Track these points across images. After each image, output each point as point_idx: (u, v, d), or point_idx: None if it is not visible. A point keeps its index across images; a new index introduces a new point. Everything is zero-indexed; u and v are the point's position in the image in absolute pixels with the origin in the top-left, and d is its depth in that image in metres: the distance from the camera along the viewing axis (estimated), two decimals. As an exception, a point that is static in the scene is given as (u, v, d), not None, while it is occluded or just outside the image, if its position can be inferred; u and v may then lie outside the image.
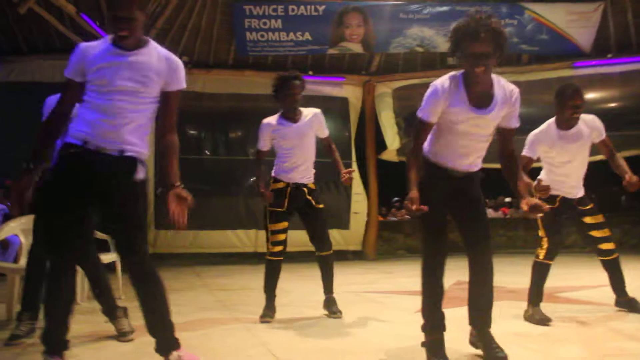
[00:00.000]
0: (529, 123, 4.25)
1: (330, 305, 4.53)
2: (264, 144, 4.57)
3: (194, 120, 9.82)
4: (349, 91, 10.58)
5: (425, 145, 3.07)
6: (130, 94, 2.66)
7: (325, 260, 4.57)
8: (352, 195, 10.25)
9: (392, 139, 10.28)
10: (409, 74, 10.55)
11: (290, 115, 4.49)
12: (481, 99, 2.95)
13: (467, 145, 3.03)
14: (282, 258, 4.48)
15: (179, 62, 2.79)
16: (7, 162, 9.57)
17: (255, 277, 7.49)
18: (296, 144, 4.46)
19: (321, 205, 4.54)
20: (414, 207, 2.70)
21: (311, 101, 10.24)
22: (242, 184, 9.88)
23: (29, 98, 9.33)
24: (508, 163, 3.06)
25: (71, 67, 2.76)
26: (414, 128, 3.07)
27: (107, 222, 2.70)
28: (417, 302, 4.71)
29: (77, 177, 2.62)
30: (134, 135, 2.70)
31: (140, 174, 2.70)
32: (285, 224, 4.46)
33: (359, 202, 10.33)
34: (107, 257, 4.91)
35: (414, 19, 9.87)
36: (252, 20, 9.60)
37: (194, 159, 9.74)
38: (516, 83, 9.89)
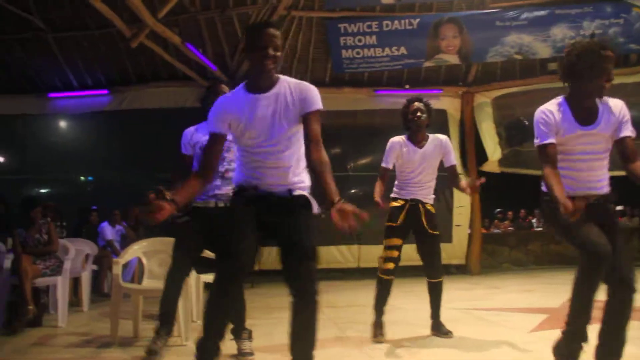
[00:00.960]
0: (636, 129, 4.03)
1: (439, 327, 4.49)
2: (388, 163, 4.58)
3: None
4: (447, 103, 10.47)
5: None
6: (283, 136, 2.73)
7: (435, 286, 4.51)
8: (454, 207, 10.10)
9: (494, 150, 10.08)
10: (508, 83, 10.31)
11: (417, 139, 4.51)
12: (587, 115, 3.00)
13: (585, 166, 3.02)
14: (393, 277, 4.46)
15: (309, 86, 2.79)
16: (125, 185, 10.28)
17: (360, 293, 7.55)
18: (419, 169, 4.47)
19: (437, 232, 4.48)
20: (570, 206, 2.69)
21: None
22: (343, 199, 9.94)
23: (139, 124, 10.02)
24: (636, 172, 2.93)
25: (214, 123, 2.81)
26: (540, 158, 3.04)
27: (281, 252, 2.71)
28: (530, 320, 4.58)
29: (253, 210, 2.73)
30: (296, 173, 2.79)
31: (314, 209, 2.76)
32: (399, 241, 4.43)
33: (461, 214, 10.16)
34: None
35: (511, 26, 9.62)
36: (347, 38, 9.72)
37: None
38: (623, 85, 9.45)
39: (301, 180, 2.80)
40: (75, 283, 7.10)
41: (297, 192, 2.76)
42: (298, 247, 2.63)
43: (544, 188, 3.12)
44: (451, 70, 10.53)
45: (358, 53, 9.78)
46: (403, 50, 9.75)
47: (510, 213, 14.14)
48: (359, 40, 9.74)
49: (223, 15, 9.41)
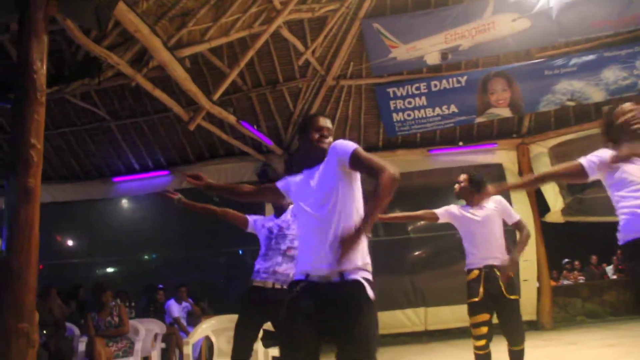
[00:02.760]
0: None
1: None
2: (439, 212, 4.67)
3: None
4: (502, 156, 10.39)
5: None
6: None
7: (517, 354, 4.35)
8: (520, 262, 9.82)
9: (555, 200, 9.88)
10: (563, 130, 10.17)
11: (472, 205, 4.54)
12: None
13: None
14: (488, 350, 4.31)
15: (335, 142, 2.83)
16: (190, 262, 10.50)
17: (430, 357, 7.36)
18: (481, 233, 4.45)
19: (515, 296, 4.36)
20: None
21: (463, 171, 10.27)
22: (405, 262, 9.89)
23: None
24: None
25: None
26: None
27: (337, 347, 2.55)
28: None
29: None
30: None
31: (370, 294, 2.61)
32: (486, 316, 4.30)
33: (528, 268, 9.87)
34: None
35: (560, 73, 9.56)
36: (397, 102, 9.86)
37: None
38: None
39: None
40: (146, 362, 7.19)
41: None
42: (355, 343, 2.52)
43: (621, 241, 2.98)
44: (504, 123, 10.49)
45: (409, 115, 9.88)
46: (453, 108, 9.81)
47: (577, 263, 13.64)
48: (409, 103, 9.86)
49: (274, 91, 9.73)
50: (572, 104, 9.76)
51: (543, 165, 10.06)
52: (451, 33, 9.21)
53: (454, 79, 9.76)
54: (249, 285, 4.11)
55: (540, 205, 10.13)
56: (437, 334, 9.55)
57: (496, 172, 10.21)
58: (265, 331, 4.12)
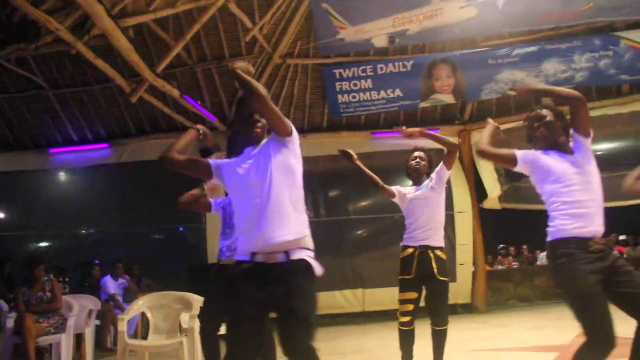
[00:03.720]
0: (634, 157, 4.07)
1: None
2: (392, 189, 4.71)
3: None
4: (444, 142, 10.51)
5: None
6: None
7: (440, 334, 4.44)
8: (456, 246, 10.04)
9: (493, 187, 10.10)
10: (503, 119, 10.34)
11: (418, 185, 4.64)
12: None
13: None
14: (412, 327, 4.41)
15: None
16: (127, 238, 10.31)
17: (367, 338, 7.47)
18: (423, 213, 4.53)
19: (445, 278, 4.44)
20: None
21: (405, 156, 10.38)
22: (345, 243, 9.96)
23: (140, 176, 10.07)
24: None
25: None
26: None
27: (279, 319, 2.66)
28: (542, 359, 4.51)
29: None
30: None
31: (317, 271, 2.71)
32: (414, 294, 4.41)
33: (464, 252, 10.09)
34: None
35: (503, 63, 9.76)
36: (342, 83, 9.87)
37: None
38: (618, 115, 9.59)
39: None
40: (78, 339, 7.02)
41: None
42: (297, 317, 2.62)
43: (550, 237, 3.07)
44: (447, 109, 10.65)
45: (354, 97, 9.92)
46: (398, 92, 9.90)
47: (513, 249, 14.07)
48: (355, 85, 9.89)
49: (220, 66, 9.58)
50: (513, 93, 9.97)
51: (483, 152, 10.25)
52: (399, 17, 9.23)
53: (400, 63, 9.83)
54: (216, 265, 4.26)
55: (478, 192, 10.35)
56: (374, 315, 9.68)
57: (437, 158, 10.32)
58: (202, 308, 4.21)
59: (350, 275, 9.79)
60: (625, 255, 12.20)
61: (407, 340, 4.44)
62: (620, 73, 9.61)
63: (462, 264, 10.08)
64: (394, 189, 4.70)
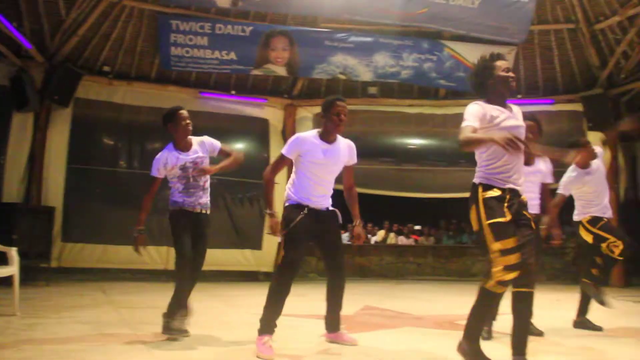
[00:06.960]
0: (443, 156, 4.45)
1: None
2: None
3: (112, 132, 9.67)
4: (270, 113, 10.66)
5: None
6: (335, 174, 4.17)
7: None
8: (265, 214, 10.19)
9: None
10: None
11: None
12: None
13: None
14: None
15: (353, 145, 4.22)
16: None
17: (163, 296, 7.35)
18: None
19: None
20: None
21: (232, 121, 10.35)
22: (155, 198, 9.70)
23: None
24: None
25: (289, 150, 4.08)
26: None
27: (323, 250, 4.29)
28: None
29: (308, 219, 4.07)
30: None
31: (340, 218, 4.24)
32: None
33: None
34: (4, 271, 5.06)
35: (338, 47, 10.11)
36: (177, 36, 9.59)
37: (107, 170, 9.52)
38: (432, 116, 10.31)
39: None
40: None
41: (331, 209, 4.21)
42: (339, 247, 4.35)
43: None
44: (278, 82, 10.78)
45: (187, 52, 9.68)
46: (233, 55, 9.83)
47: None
48: (190, 40, 9.65)
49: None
50: (343, 77, 10.39)
51: (306, 129, 10.46)
52: (246, -19, 9.17)
53: (239, 27, 9.78)
54: (174, 209, 4.54)
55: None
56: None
57: (261, 127, 10.46)
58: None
59: (156, 232, 9.50)
60: (418, 243, 13.18)
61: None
62: (440, 78, 10.42)
63: (269, 233, 10.24)
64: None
